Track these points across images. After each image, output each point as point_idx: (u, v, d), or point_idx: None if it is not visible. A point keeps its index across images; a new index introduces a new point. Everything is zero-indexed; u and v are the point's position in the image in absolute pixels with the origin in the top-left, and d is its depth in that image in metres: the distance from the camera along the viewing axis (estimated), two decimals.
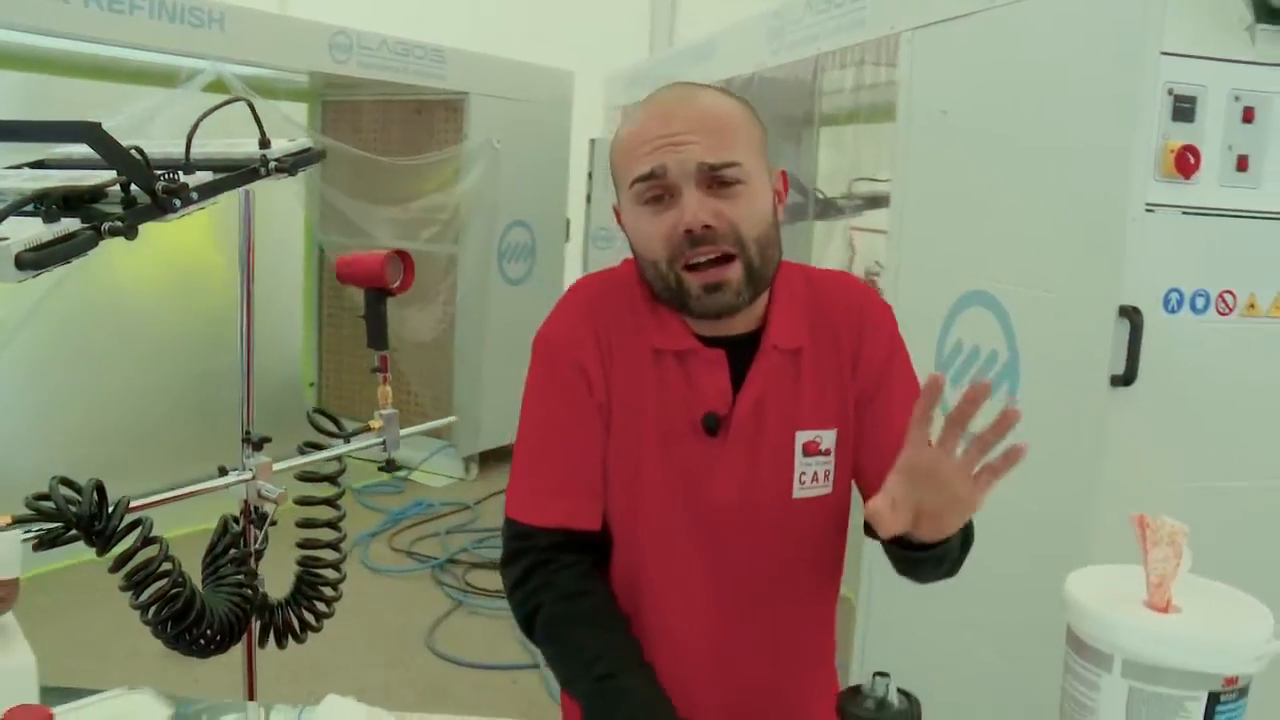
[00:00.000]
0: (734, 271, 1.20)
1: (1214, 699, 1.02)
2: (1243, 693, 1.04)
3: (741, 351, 1.28)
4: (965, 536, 1.23)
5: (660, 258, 1.21)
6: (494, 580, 4.33)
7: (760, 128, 1.26)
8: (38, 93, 4.29)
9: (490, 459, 5.84)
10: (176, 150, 2.15)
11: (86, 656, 3.32)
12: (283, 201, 5.04)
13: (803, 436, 1.29)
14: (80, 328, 4.57)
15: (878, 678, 1.06)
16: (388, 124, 5.77)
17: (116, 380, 4.68)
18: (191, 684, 2.84)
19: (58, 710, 0.78)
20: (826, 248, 4.29)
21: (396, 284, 1.95)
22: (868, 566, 2.85)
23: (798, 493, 1.29)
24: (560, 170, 6.00)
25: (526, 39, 5.99)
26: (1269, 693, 1.08)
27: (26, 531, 1.44)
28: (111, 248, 1.85)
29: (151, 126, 3.73)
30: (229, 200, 2.09)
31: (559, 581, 1.24)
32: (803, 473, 1.29)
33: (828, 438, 1.30)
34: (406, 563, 4.53)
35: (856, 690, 1.08)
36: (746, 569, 1.30)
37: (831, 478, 1.31)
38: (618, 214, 1.31)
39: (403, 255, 1.96)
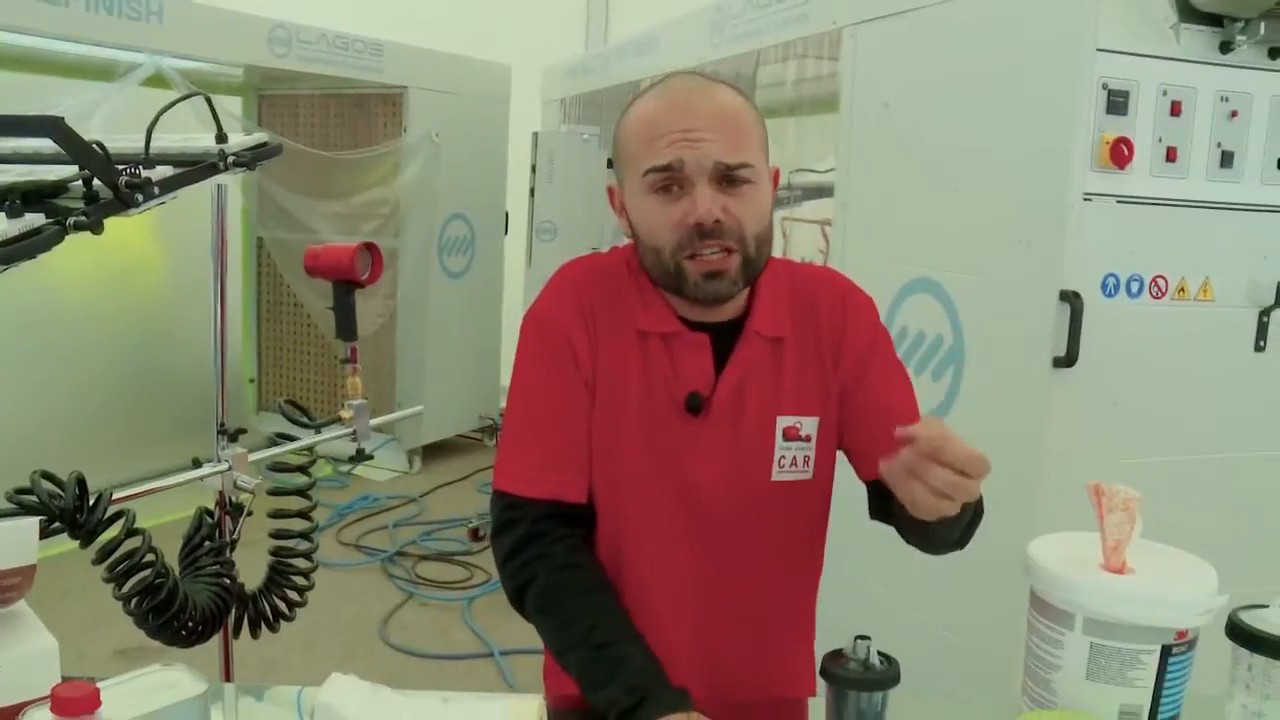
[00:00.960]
0: (733, 262, 1.25)
1: (1166, 651, 1.11)
2: (1191, 645, 1.13)
3: (724, 337, 1.33)
4: (977, 508, 1.29)
5: (664, 245, 1.26)
6: (444, 572, 4.35)
7: (764, 127, 1.30)
8: None
9: (433, 453, 5.84)
10: (127, 144, 2.14)
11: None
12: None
13: (783, 421, 1.34)
14: (14, 324, 4.48)
15: (859, 640, 1.13)
16: (326, 118, 5.73)
17: (53, 376, 4.60)
18: None
19: (100, 686, 0.80)
20: None
21: (365, 276, 1.97)
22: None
23: (776, 475, 1.34)
24: (498, 164, 6.02)
25: (464, 33, 5.98)
26: (1211, 644, 1.16)
27: None
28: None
29: (91, 121, 3.67)
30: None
31: (555, 553, 1.27)
32: (782, 456, 1.34)
33: (808, 424, 1.35)
34: (356, 556, 4.52)
35: (839, 653, 1.14)
36: (726, 547, 1.35)
37: (812, 464, 1.36)
38: (612, 193, 1.35)
39: (371, 248, 1.98)
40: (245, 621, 1.90)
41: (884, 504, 1.33)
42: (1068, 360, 2.09)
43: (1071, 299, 2.08)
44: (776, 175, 1.35)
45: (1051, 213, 2.11)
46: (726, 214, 1.23)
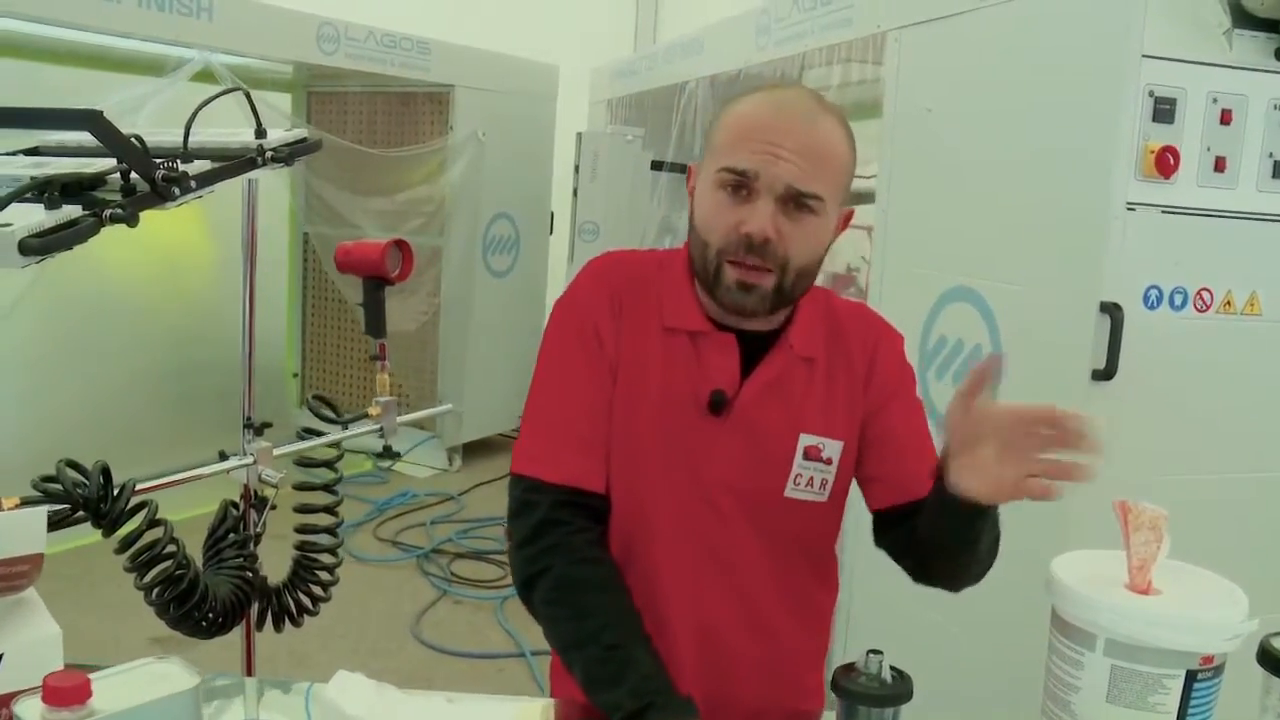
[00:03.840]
0: (769, 281, 1.25)
1: (1191, 677, 1.07)
2: (1218, 671, 1.09)
3: (755, 346, 1.33)
4: (993, 538, 1.28)
5: (713, 241, 1.26)
6: (479, 570, 4.36)
7: (852, 170, 1.30)
8: (26, 80, 4.27)
9: (474, 451, 5.87)
10: (169, 138, 2.17)
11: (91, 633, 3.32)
12: (267, 191, 5.03)
13: (806, 440, 1.33)
14: (67, 317, 4.57)
15: (871, 655, 1.10)
16: (373, 115, 5.78)
17: (103, 369, 4.68)
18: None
19: (93, 677, 0.81)
20: None
21: (396, 273, 1.97)
22: (850, 548, 2.90)
23: (789, 492, 1.33)
24: (544, 163, 6.03)
25: (512, 33, 6.01)
26: (1241, 671, 1.13)
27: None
28: (100, 236, 1.87)
29: (139, 115, 3.73)
30: (221, 189, 2.11)
31: (573, 545, 1.25)
32: (799, 474, 1.33)
33: (831, 447, 1.34)
34: (391, 552, 4.55)
35: (851, 667, 1.12)
36: (733, 553, 1.34)
37: (829, 488, 1.35)
38: (691, 172, 1.35)
39: (401, 245, 1.98)
40: (269, 616, 1.91)
41: (895, 531, 1.32)
42: (1107, 373, 2.05)
43: (1112, 310, 2.04)
44: (849, 218, 1.35)
45: (1093, 222, 2.07)
46: (779, 235, 1.23)
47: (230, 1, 4.26)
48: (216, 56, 4.25)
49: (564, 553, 1.25)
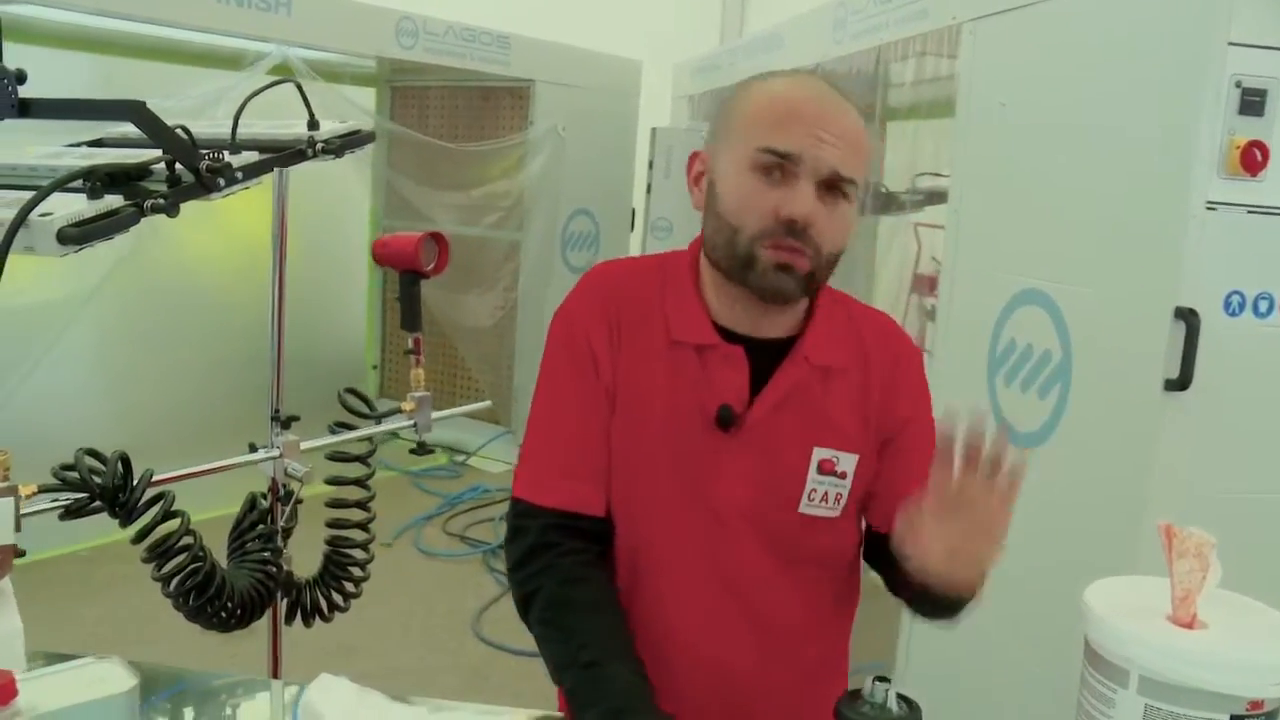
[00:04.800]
0: (805, 264, 1.20)
1: None
2: (1269, 718, 0.98)
3: (769, 356, 1.27)
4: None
5: (747, 226, 1.20)
6: None
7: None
8: (109, 75, 4.38)
9: None
10: (223, 131, 2.18)
11: (144, 625, 3.39)
12: (349, 185, 5.10)
13: (820, 453, 1.26)
14: (145, 306, 4.67)
15: (877, 683, 1.02)
16: (454, 110, 5.80)
17: (180, 358, 4.77)
18: (229, 659, 2.87)
19: (24, 678, 0.78)
20: (891, 243, 4.22)
21: (431, 266, 1.94)
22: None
23: (804, 508, 1.26)
24: (626, 159, 5.97)
25: (594, 28, 5.97)
26: None
27: (53, 500, 1.47)
28: (177, 227, 1.88)
29: (217, 109, 3.78)
30: (298, 181, 2.11)
31: (561, 566, 1.22)
32: (813, 490, 1.26)
33: (846, 460, 1.27)
34: (459, 547, 4.56)
35: (856, 694, 1.04)
36: (746, 574, 1.27)
37: (843, 503, 1.28)
38: (695, 159, 1.30)
39: (437, 237, 1.95)
40: (298, 611, 1.90)
41: (884, 553, 1.23)
42: (1180, 383, 1.91)
43: (1187, 316, 1.90)
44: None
45: (1169, 221, 1.94)
46: (817, 221, 1.18)
47: None
48: (294, 51, 4.30)
49: (554, 574, 1.21)
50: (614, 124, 5.88)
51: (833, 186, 1.18)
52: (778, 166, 1.18)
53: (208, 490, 1.86)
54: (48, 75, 4.03)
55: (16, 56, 1.75)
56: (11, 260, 1.68)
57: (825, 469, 1.26)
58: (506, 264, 5.53)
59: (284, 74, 4.14)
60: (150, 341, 4.73)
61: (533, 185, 5.44)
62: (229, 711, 1.33)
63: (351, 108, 4.67)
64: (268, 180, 2.14)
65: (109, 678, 0.81)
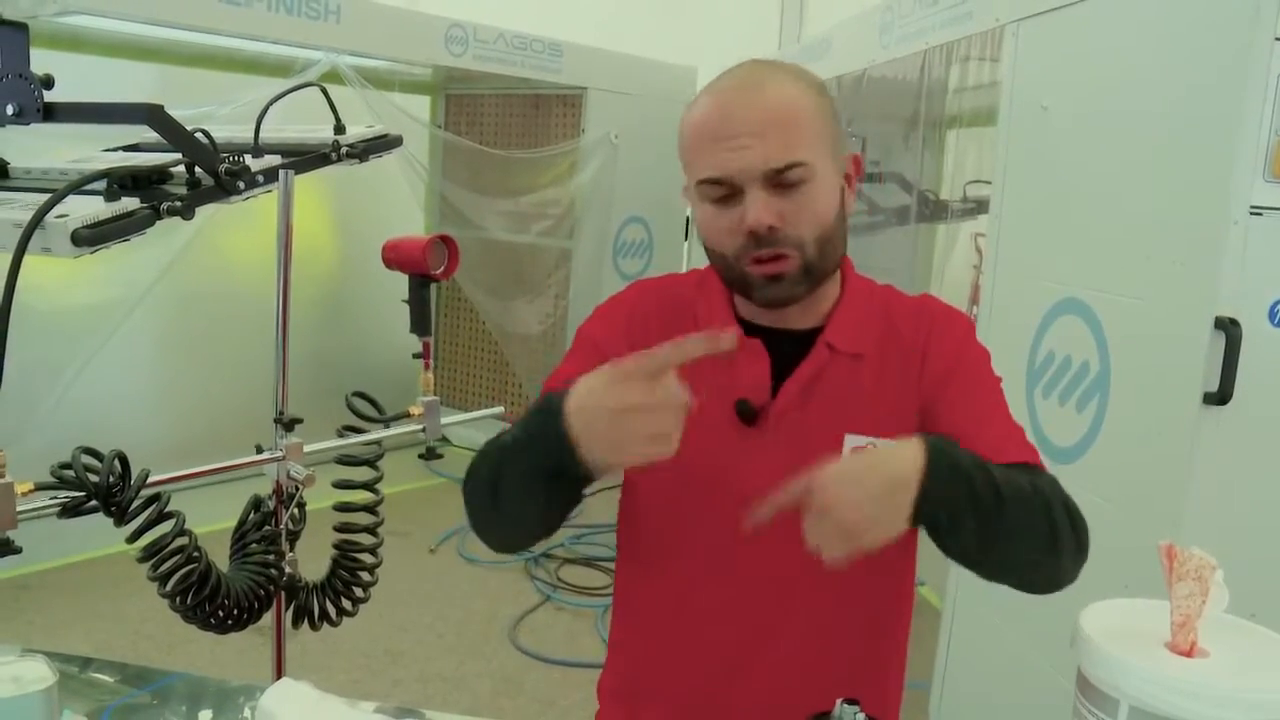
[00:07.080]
0: (791, 265, 1.18)
1: None
2: None
3: (800, 346, 1.25)
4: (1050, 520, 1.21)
5: (726, 250, 1.20)
6: (587, 577, 4.31)
7: (831, 115, 1.21)
8: (165, 83, 4.45)
9: None
10: (267, 135, 2.20)
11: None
12: (401, 191, 5.13)
13: (852, 440, 1.22)
14: (195, 307, 4.74)
15: (845, 705, 0.97)
16: (508, 118, 5.82)
17: (230, 359, 4.83)
18: (247, 665, 2.88)
19: None
20: (950, 252, 4.13)
21: (439, 270, 1.93)
22: (954, 576, 2.71)
23: None
24: (680, 167, 5.93)
25: (650, 35, 5.96)
26: None
27: (53, 498, 1.48)
28: (226, 229, 1.90)
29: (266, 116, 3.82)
30: (346, 185, 2.13)
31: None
32: None
33: (883, 445, 1.20)
34: (502, 555, 4.53)
35: (824, 716, 0.99)
36: (777, 577, 1.24)
37: None
38: (687, 191, 1.28)
39: (447, 240, 1.93)
40: (304, 615, 1.89)
41: None
42: (1220, 397, 1.82)
43: (1228, 326, 1.81)
44: (857, 162, 1.26)
45: (1209, 227, 1.85)
46: (782, 219, 1.16)
47: (358, 4, 4.34)
48: (344, 58, 4.34)
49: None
50: (668, 131, 5.78)
51: (780, 179, 1.15)
52: (722, 192, 1.17)
53: (220, 497, 1.87)
54: (112, 84, 4.11)
55: (76, 65, 1.78)
56: (64, 260, 1.70)
57: None
58: (557, 271, 5.53)
59: (334, 81, 4.18)
60: (199, 342, 4.80)
61: (584, 193, 5.43)
62: (209, 713, 1.31)
63: (399, 114, 4.70)
64: (306, 184, 2.15)
65: (26, 676, 0.80)
